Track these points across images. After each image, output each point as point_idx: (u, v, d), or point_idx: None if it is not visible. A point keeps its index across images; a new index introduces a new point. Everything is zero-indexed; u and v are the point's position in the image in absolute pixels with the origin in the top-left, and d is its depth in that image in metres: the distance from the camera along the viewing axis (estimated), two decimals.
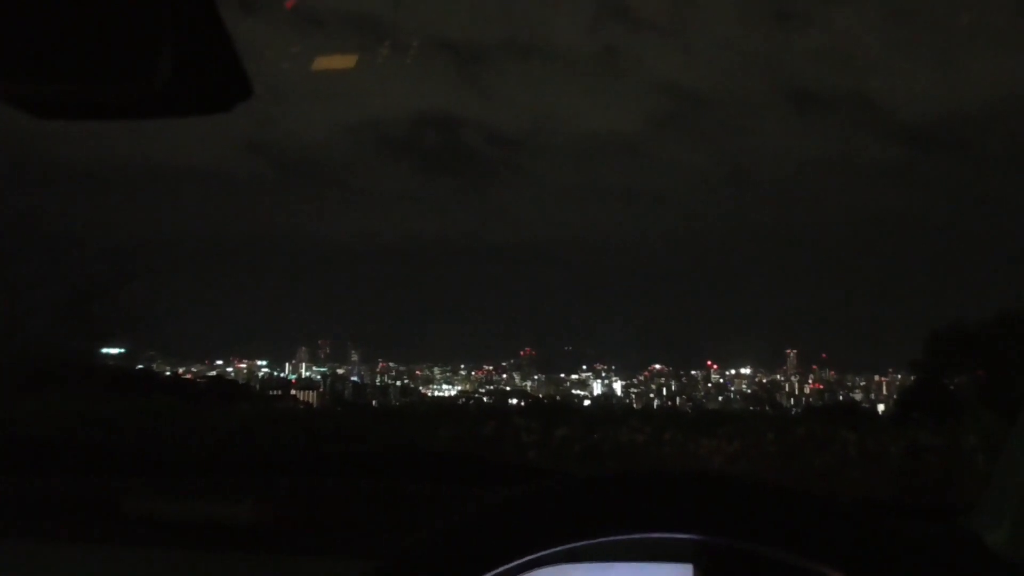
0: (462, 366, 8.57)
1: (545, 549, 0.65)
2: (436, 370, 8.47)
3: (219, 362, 7.91)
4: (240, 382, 7.86)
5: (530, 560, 0.66)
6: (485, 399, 7.99)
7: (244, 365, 7.98)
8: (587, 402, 8.20)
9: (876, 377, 8.03)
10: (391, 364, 8.43)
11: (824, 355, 8.35)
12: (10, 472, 1.07)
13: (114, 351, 7.11)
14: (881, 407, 7.66)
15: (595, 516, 0.66)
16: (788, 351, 8.36)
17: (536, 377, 8.68)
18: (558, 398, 8.26)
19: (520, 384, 8.57)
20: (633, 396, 8.34)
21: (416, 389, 8.31)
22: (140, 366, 7.58)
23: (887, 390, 8.03)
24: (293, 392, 7.76)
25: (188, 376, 7.71)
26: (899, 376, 7.69)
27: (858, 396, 8.18)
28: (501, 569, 0.64)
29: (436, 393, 8.32)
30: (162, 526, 0.93)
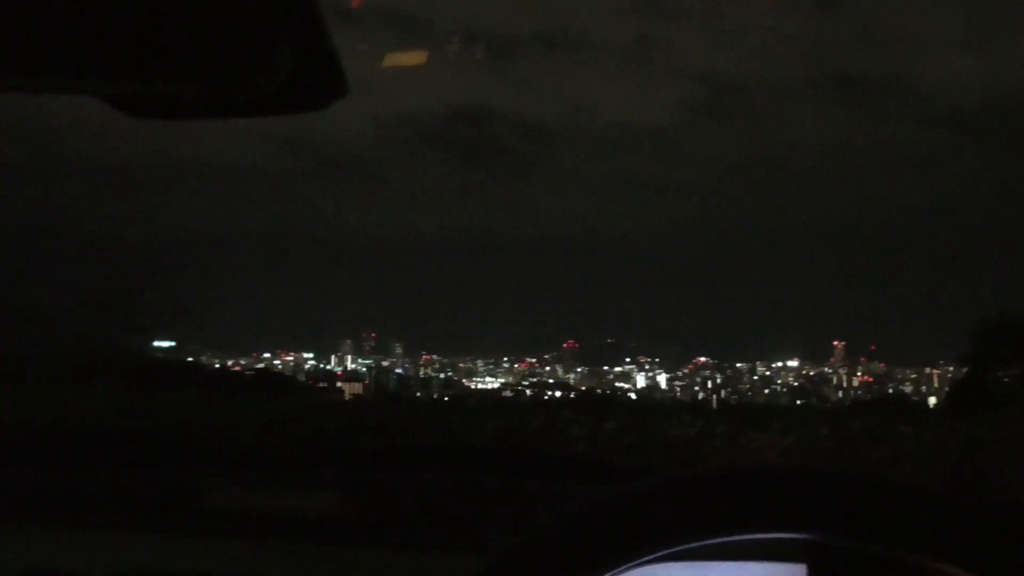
0: (505, 359, 8.57)
1: (657, 551, 0.64)
2: (479, 363, 8.48)
3: (266, 355, 8.02)
4: (287, 374, 7.96)
5: (645, 560, 0.65)
6: (528, 392, 7.99)
7: (291, 358, 8.08)
8: (632, 395, 8.15)
9: (927, 369, 7.84)
10: (434, 357, 8.47)
11: (873, 347, 8.19)
12: (71, 465, 1.09)
13: (163, 345, 7.25)
14: (932, 400, 7.50)
15: (707, 516, 0.65)
16: (836, 343, 8.21)
17: (579, 369, 8.65)
18: (601, 391, 8.22)
19: (563, 376, 8.54)
20: (678, 389, 8.27)
21: (459, 382, 8.34)
22: (189, 359, 7.72)
23: (938, 382, 7.84)
24: (339, 384, 7.84)
25: (236, 368, 7.84)
26: (950, 368, 7.50)
27: (908, 389, 8.01)
28: (618, 570, 0.63)
29: (479, 386, 8.34)
30: (245, 518, 0.94)
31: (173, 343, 7.35)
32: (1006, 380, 7.15)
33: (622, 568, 0.65)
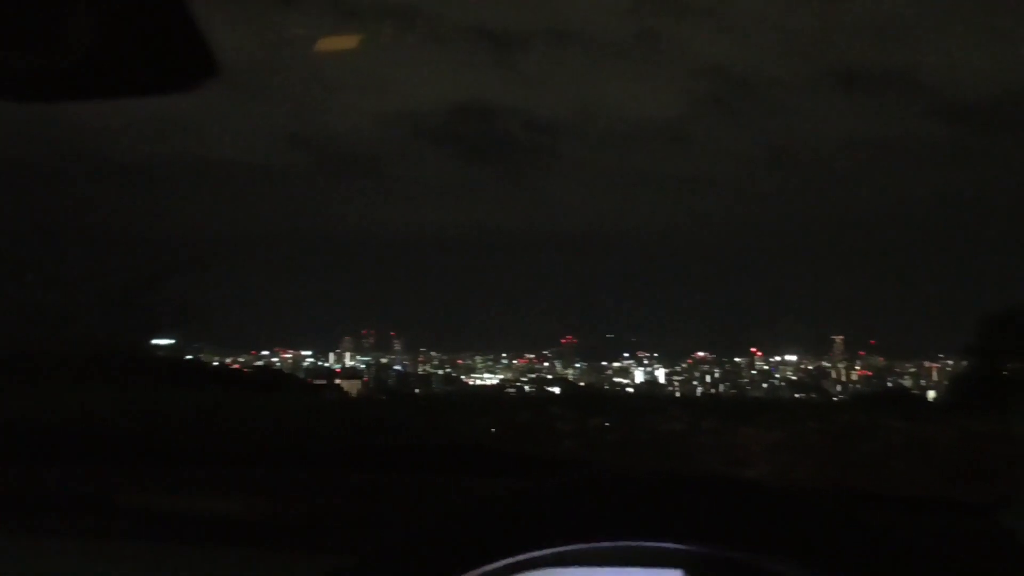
0: (504, 354, 8.58)
1: (529, 551, 0.64)
2: (478, 359, 8.50)
3: (265, 352, 8.06)
4: (286, 372, 8.00)
5: (514, 563, 0.66)
6: (527, 388, 8.00)
7: (290, 355, 8.12)
8: (630, 390, 8.15)
9: (926, 363, 7.81)
10: (433, 353, 8.49)
11: (872, 341, 8.15)
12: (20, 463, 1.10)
13: (164, 342, 7.31)
14: (932, 394, 7.47)
15: (585, 521, 0.65)
16: (835, 337, 8.18)
17: (578, 365, 8.65)
18: (603, 386, 8.22)
19: (562, 372, 8.54)
20: (676, 384, 8.26)
21: (458, 378, 8.35)
22: (189, 357, 7.77)
23: (937, 376, 7.81)
24: (338, 381, 7.87)
25: (236, 366, 7.88)
26: (950, 362, 7.47)
27: (907, 382, 7.97)
28: (484, 569, 0.64)
29: (478, 382, 8.36)
30: (157, 520, 0.95)
31: (173, 341, 7.40)
32: (1005, 374, 7.11)
33: (498, 566, 0.65)
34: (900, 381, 7.67)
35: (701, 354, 8.19)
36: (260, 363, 7.96)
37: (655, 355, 8.35)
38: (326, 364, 8.29)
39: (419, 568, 0.63)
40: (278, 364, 8.00)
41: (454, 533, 0.65)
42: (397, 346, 8.49)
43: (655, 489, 0.66)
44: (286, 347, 8.10)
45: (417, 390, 7.94)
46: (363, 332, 8.55)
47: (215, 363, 7.80)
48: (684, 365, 8.21)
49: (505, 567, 0.66)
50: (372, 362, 8.37)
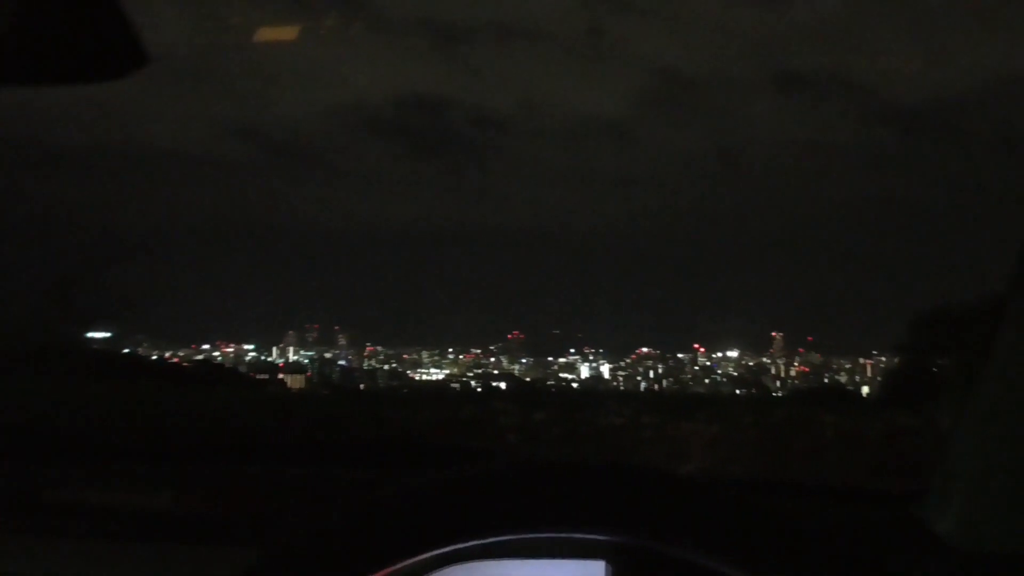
0: (450, 350, 8.57)
1: (453, 544, 0.65)
2: (424, 354, 8.47)
3: (206, 346, 7.90)
4: (227, 366, 7.86)
5: (439, 555, 0.66)
6: (473, 383, 8.00)
7: (231, 349, 7.97)
8: (575, 385, 8.22)
9: (861, 360, 8.05)
10: (379, 348, 8.43)
11: (810, 338, 8.37)
12: None
13: (100, 335, 7.10)
14: (866, 389, 7.70)
15: (507, 513, 0.66)
16: (775, 334, 8.37)
17: (524, 360, 8.69)
18: (549, 382, 8.28)
19: (508, 367, 8.57)
20: (620, 379, 8.36)
21: (404, 373, 8.32)
22: (126, 350, 7.57)
23: (872, 372, 8.05)
24: (280, 376, 7.76)
25: (175, 360, 7.71)
26: (883, 359, 7.72)
27: (843, 379, 8.21)
28: (401, 565, 0.63)
29: (424, 377, 8.33)
30: (82, 516, 0.94)
31: (109, 334, 7.20)
32: (935, 370, 7.37)
33: (420, 559, 0.65)
34: (836, 377, 7.90)
35: (645, 350, 8.32)
36: (200, 357, 7.81)
37: (600, 351, 8.45)
38: (269, 358, 8.18)
39: (332, 565, 0.63)
40: (219, 358, 7.86)
41: (372, 528, 0.65)
42: (342, 341, 8.41)
43: (576, 480, 0.67)
44: (228, 341, 7.97)
45: (362, 385, 7.88)
46: (307, 326, 8.46)
47: (154, 357, 7.62)
48: (628, 361, 8.32)
49: (428, 560, 0.66)
50: (316, 357, 8.28)
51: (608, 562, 0.73)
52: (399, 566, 0.64)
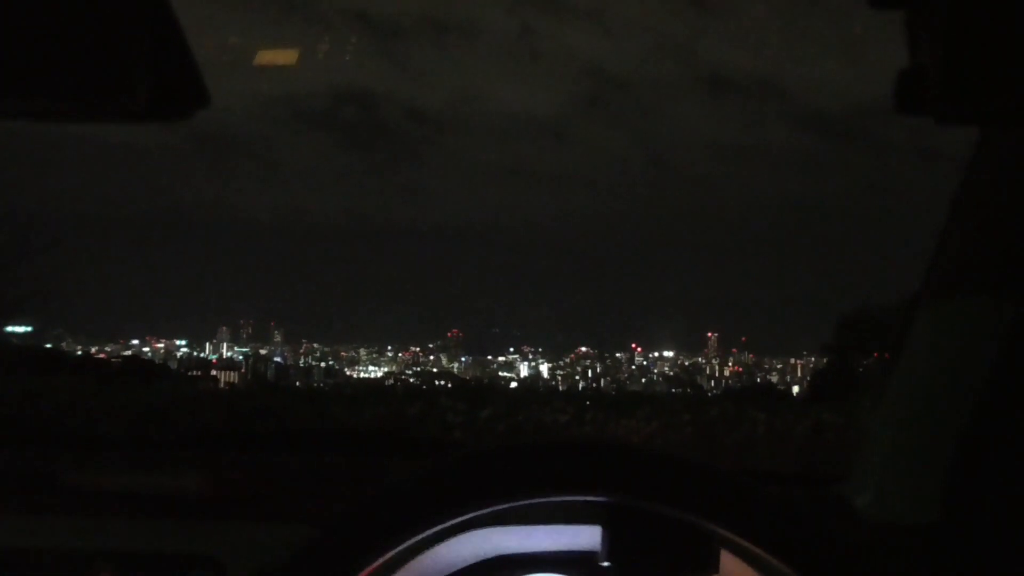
0: (388, 347, 8.52)
1: (472, 512, 0.68)
2: (362, 351, 8.40)
3: (134, 341, 7.66)
4: (157, 362, 7.63)
5: (458, 523, 0.69)
6: (412, 380, 7.97)
7: (161, 344, 7.75)
8: (514, 384, 8.27)
9: (791, 360, 8.31)
10: (315, 345, 8.32)
11: (744, 338, 8.61)
12: None
13: (19, 329, 6.80)
14: (796, 388, 7.96)
15: (514, 480, 0.69)
16: (709, 334, 8.58)
17: (463, 359, 8.70)
18: (485, 380, 8.30)
19: (447, 366, 8.57)
20: (559, 378, 8.44)
21: (341, 370, 8.23)
22: (48, 345, 7.28)
23: (801, 372, 8.32)
24: (213, 373, 7.58)
25: (101, 356, 7.45)
26: (812, 359, 7.99)
27: (774, 378, 8.47)
28: (431, 531, 0.67)
29: (362, 375, 8.26)
30: (104, 497, 0.93)
31: (29, 328, 6.91)
32: (860, 369, 7.68)
33: (443, 527, 0.68)
34: (768, 377, 8.15)
35: (583, 349, 8.44)
36: (128, 353, 7.56)
37: (539, 350, 8.53)
38: (201, 355, 7.97)
39: (372, 533, 0.65)
40: (149, 354, 7.62)
41: (394, 502, 0.68)
42: (277, 337, 8.27)
43: (573, 451, 0.70)
44: (158, 336, 7.74)
45: (298, 383, 7.75)
46: (242, 322, 8.28)
47: (78, 352, 7.35)
48: (567, 360, 8.42)
49: (448, 528, 0.70)
50: (250, 353, 8.11)
51: (604, 526, 0.76)
52: (410, 542, 0.67)
